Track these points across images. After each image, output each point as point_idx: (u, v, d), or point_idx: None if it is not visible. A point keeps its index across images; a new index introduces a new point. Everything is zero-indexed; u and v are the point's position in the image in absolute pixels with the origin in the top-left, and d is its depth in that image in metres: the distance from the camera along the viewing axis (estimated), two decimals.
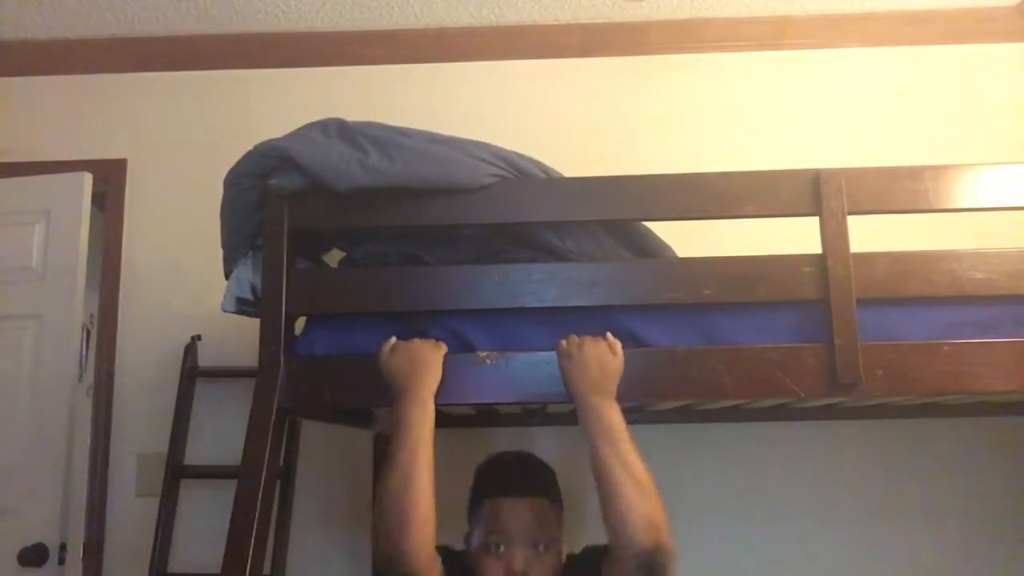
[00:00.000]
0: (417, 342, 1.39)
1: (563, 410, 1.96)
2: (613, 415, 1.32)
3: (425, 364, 1.36)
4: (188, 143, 2.48)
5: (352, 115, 1.53)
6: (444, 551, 1.39)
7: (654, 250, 1.64)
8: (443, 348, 1.40)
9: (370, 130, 1.47)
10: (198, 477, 2.23)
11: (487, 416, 2.07)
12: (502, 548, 1.38)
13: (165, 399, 2.26)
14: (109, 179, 2.44)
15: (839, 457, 2.21)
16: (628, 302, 1.43)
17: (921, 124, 2.43)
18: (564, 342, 1.39)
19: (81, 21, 2.45)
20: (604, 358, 1.35)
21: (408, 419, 1.31)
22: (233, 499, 1.36)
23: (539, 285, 1.41)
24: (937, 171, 1.44)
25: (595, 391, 1.33)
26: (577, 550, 1.50)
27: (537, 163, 1.54)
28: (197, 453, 2.26)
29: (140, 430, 2.30)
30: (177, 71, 2.54)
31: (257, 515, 1.34)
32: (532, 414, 2.06)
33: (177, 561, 2.19)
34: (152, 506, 2.19)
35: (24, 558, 2.03)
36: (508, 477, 1.49)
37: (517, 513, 1.41)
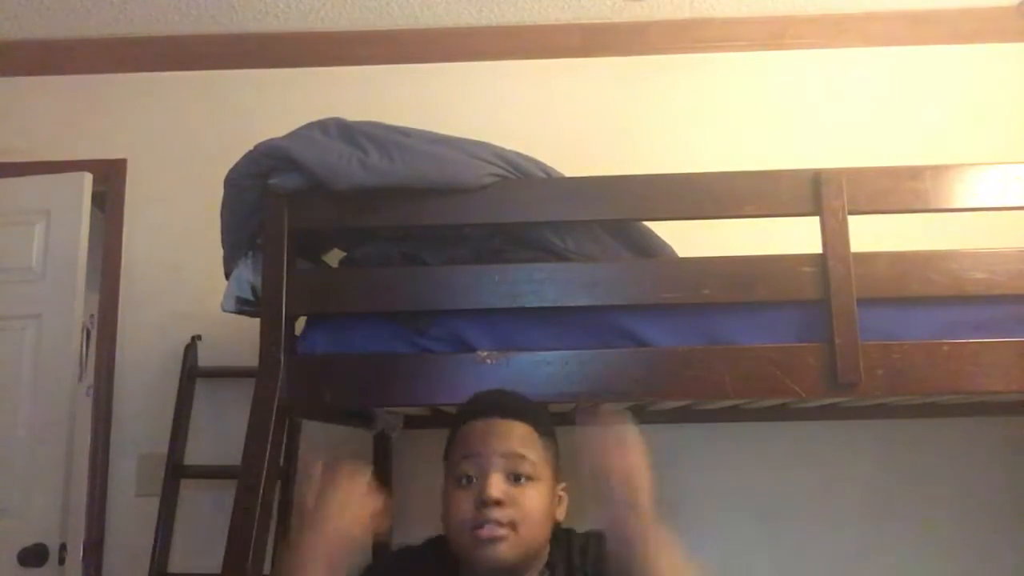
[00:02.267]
0: (340, 473, 1.12)
1: (564, 410, 1.96)
2: (660, 536, 1.06)
3: (334, 498, 1.10)
4: (188, 143, 2.48)
5: (352, 115, 1.53)
6: (402, 554, 1.27)
7: (654, 250, 1.64)
8: (363, 480, 1.12)
9: (370, 130, 1.47)
10: (198, 477, 2.23)
11: None
12: (474, 475, 1.14)
13: (165, 399, 2.26)
14: (109, 179, 2.44)
15: (839, 457, 2.21)
16: (628, 302, 1.43)
17: (921, 124, 2.43)
18: (585, 448, 1.09)
19: (81, 21, 2.45)
20: (632, 472, 1.07)
21: (303, 548, 1.08)
22: (233, 499, 1.36)
23: (539, 285, 1.41)
24: (937, 171, 1.44)
25: (633, 515, 1.06)
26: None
27: (537, 163, 1.54)
28: (197, 453, 2.26)
29: (140, 430, 2.30)
30: (177, 71, 2.54)
31: (257, 515, 1.34)
32: None
33: (177, 561, 2.18)
34: (152, 506, 2.19)
35: (24, 558, 2.04)
36: (484, 400, 1.24)
37: (490, 433, 1.17)
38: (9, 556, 2.04)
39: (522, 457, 1.15)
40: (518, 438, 1.17)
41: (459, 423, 1.22)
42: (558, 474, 1.23)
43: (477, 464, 1.15)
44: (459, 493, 1.15)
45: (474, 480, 1.14)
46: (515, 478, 1.14)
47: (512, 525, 1.12)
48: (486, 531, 1.11)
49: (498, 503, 1.11)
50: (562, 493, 1.23)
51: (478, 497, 1.12)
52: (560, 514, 1.22)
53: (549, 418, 1.27)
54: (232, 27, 2.49)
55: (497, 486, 1.12)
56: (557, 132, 2.39)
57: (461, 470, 1.16)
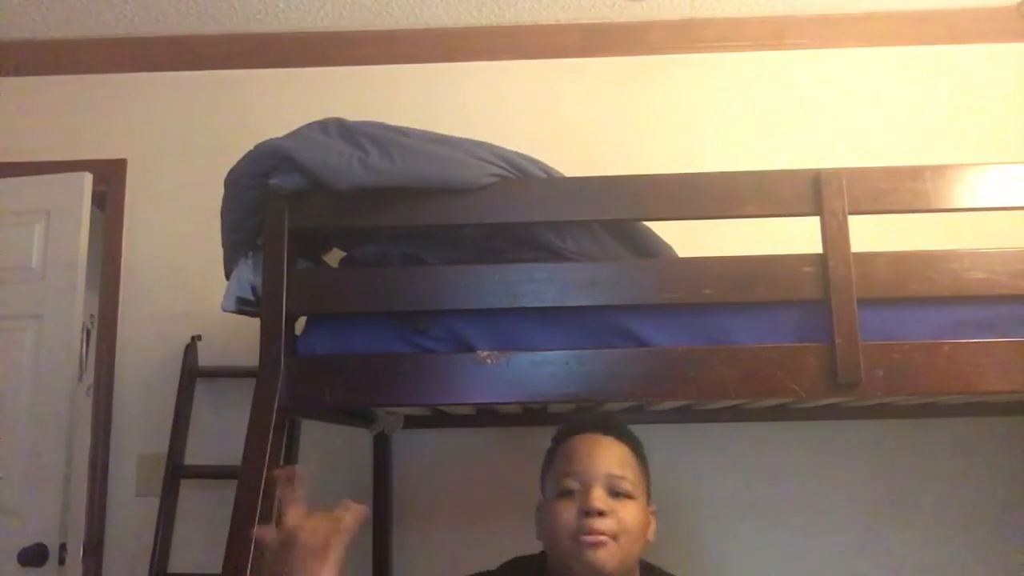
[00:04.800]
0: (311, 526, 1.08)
1: (564, 410, 1.96)
2: None
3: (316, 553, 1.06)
4: (188, 143, 2.48)
5: (352, 115, 1.53)
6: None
7: (654, 250, 1.64)
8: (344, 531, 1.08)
9: (370, 129, 1.47)
10: (198, 477, 2.23)
11: (487, 416, 2.07)
12: (576, 489, 1.24)
13: (165, 399, 2.26)
14: (109, 179, 2.44)
15: (839, 457, 2.21)
16: (628, 302, 1.42)
17: (921, 124, 2.43)
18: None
19: (81, 21, 2.45)
20: None
21: None
22: (233, 499, 1.35)
23: (539, 285, 1.41)
24: (937, 171, 1.44)
25: None
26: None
27: (537, 163, 1.54)
28: (197, 453, 2.26)
29: (140, 430, 2.30)
30: (177, 71, 2.54)
31: (257, 515, 1.34)
32: (533, 414, 2.06)
33: (177, 561, 2.19)
34: (152, 506, 2.19)
35: (24, 558, 2.04)
36: (588, 418, 1.36)
37: (594, 450, 1.28)
38: (9, 556, 2.04)
39: (622, 476, 1.26)
40: (618, 458, 1.28)
41: (561, 440, 1.34)
42: (649, 495, 1.33)
43: (581, 479, 1.25)
44: (561, 503, 1.24)
45: (576, 493, 1.24)
46: (615, 494, 1.24)
47: (613, 536, 1.20)
48: (590, 537, 1.19)
49: (601, 513, 1.20)
50: (652, 515, 1.32)
51: (582, 507, 1.21)
52: (651, 533, 1.31)
53: (643, 449, 1.35)
54: (232, 27, 2.49)
55: (601, 499, 1.22)
56: (557, 132, 2.40)
57: (564, 484, 1.26)
